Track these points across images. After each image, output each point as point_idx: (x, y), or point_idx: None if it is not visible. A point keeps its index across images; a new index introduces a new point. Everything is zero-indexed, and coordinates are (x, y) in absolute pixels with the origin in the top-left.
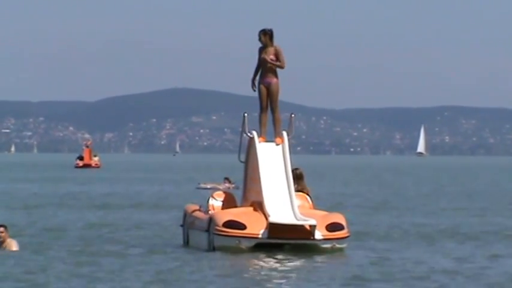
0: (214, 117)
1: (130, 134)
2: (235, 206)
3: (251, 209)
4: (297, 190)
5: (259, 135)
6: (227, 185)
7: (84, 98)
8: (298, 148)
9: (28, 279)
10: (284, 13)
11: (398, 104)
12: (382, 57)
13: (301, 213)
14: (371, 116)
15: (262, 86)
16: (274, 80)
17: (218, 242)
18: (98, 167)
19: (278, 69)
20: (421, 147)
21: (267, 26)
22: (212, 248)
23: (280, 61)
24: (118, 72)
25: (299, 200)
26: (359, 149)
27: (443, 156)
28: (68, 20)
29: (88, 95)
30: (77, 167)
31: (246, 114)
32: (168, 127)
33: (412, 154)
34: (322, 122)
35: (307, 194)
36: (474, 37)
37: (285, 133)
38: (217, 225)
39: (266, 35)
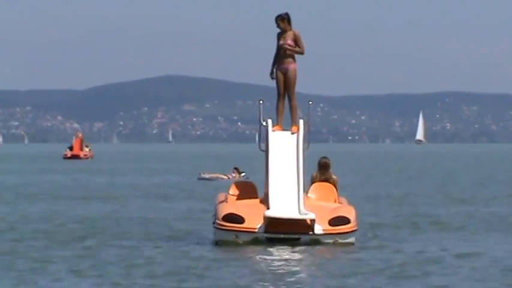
0: (207, 106)
1: (121, 123)
2: (255, 196)
3: (257, 201)
4: (320, 180)
5: (276, 123)
6: (234, 175)
7: (73, 87)
8: None
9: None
10: None
11: (398, 90)
12: (381, 42)
13: (309, 206)
14: (370, 103)
15: (279, 73)
16: (292, 65)
17: (218, 236)
18: (88, 158)
19: (297, 55)
20: (419, 135)
21: (265, 11)
22: (215, 242)
23: (299, 46)
24: (108, 59)
25: (323, 190)
26: (357, 137)
27: (444, 144)
28: (56, 7)
29: (77, 83)
30: (65, 157)
31: (261, 102)
32: (159, 116)
33: (412, 142)
34: (319, 109)
35: (333, 184)
36: (476, 22)
37: (301, 121)
38: (218, 219)
39: (284, 20)
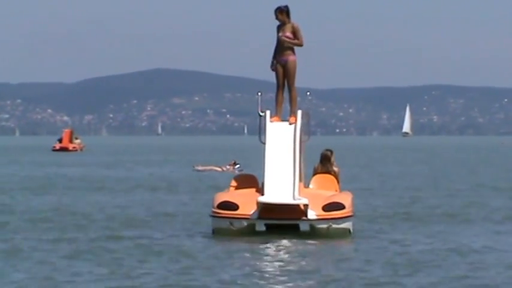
0: (196, 98)
1: (111, 115)
2: (256, 187)
3: (253, 190)
4: (322, 172)
5: (275, 115)
6: (228, 166)
7: (63, 80)
8: None
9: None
10: None
11: (385, 83)
12: (369, 35)
13: (304, 194)
14: (357, 95)
15: (278, 65)
16: (291, 57)
17: (213, 224)
18: (77, 150)
19: (296, 47)
20: (406, 127)
21: (254, 5)
22: (212, 231)
23: (298, 38)
24: (98, 53)
25: (323, 182)
26: (345, 129)
27: (431, 136)
28: (48, 0)
29: (67, 76)
30: (54, 150)
31: (259, 94)
32: (149, 108)
33: (399, 134)
34: (307, 102)
35: (335, 176)
36: (462, 16)
37: (300, 112)
38: (213, 207)
39: (283, 13)
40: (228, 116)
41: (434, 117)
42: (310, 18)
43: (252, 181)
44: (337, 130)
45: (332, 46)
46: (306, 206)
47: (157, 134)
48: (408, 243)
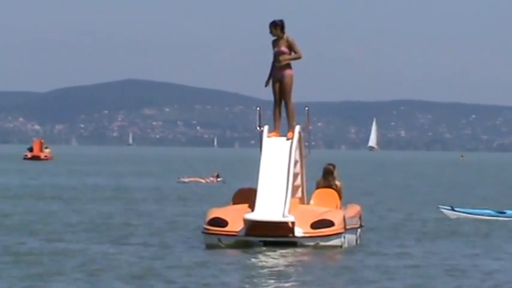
0: (167, 110)
1: (82, 125)
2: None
3: (246, 205)
4: (324, 186)
5: (273, 130)
6: (212, 178)
7: (34, 89)
8: (252, 142)
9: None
10: (237, 1)
11: (354, 97)
12: (338, 49)
13: (296, 210)
14: (326, 109)
15: (274, 80)
16: (287, 71)
17: (204, 240)
18: (48, 159)
19: (295, 60)
20: (372, 142)
21: (224, 16)
22: (205, 246)
23: (295, 52)
24: (70, 62)
25: (324, 196)
26: (313, 143)
27: (398, 151)
28: (17, 9)
29: (39, 85)
30: (26, 158)
31: (258, 108)
32: (120, 119)
33: (366, 149)
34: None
35: (337, 191)
36: (430, 32)
37: (297, 127)
38: (204, 223)
39: (277, 27)
40: (198, 127)
41: (402, 132)
42: None
43: (252, 195)
44: (306, 143)
45: (301, 59)
46: (293, 223)
47: (128, 145)
48: (410, 256)
